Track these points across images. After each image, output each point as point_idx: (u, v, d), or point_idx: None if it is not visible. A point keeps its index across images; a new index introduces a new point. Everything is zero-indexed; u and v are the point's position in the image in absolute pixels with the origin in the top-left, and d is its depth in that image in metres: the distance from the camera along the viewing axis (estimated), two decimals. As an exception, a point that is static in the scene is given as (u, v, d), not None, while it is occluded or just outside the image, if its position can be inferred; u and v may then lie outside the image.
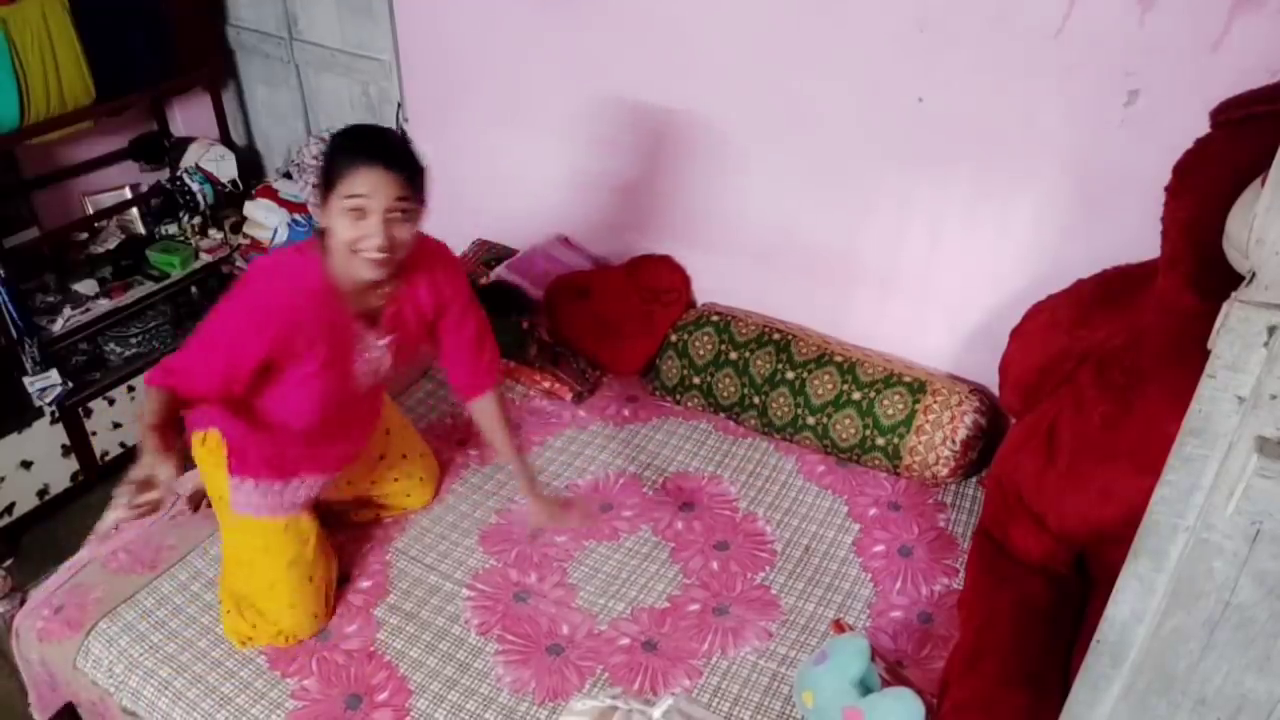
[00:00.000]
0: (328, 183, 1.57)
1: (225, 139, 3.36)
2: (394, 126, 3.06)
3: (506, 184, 2.92)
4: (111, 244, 3.26)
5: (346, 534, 2.18)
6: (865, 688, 1.64)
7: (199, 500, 2.21)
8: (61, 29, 2.64)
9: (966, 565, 2.02)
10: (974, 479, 2.33)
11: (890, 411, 2.31)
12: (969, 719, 1.66)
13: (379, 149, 1.56)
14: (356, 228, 1.56)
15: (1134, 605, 0.95)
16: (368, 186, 1.53)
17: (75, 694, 2.01)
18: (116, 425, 3.11)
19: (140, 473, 1.47)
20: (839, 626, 1.94)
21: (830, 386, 2.38)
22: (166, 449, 1.49)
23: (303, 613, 1.92)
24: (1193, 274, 1.61)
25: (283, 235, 3.21)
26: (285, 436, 1.84)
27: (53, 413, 2.91)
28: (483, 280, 2.76)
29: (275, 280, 1.67)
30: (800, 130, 2.31)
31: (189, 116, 3.42)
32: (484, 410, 2.02)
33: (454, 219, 3.08)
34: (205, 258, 3.29)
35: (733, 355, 2.50)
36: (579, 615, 2.00)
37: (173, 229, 3.32)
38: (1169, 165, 1.64)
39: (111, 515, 1.53)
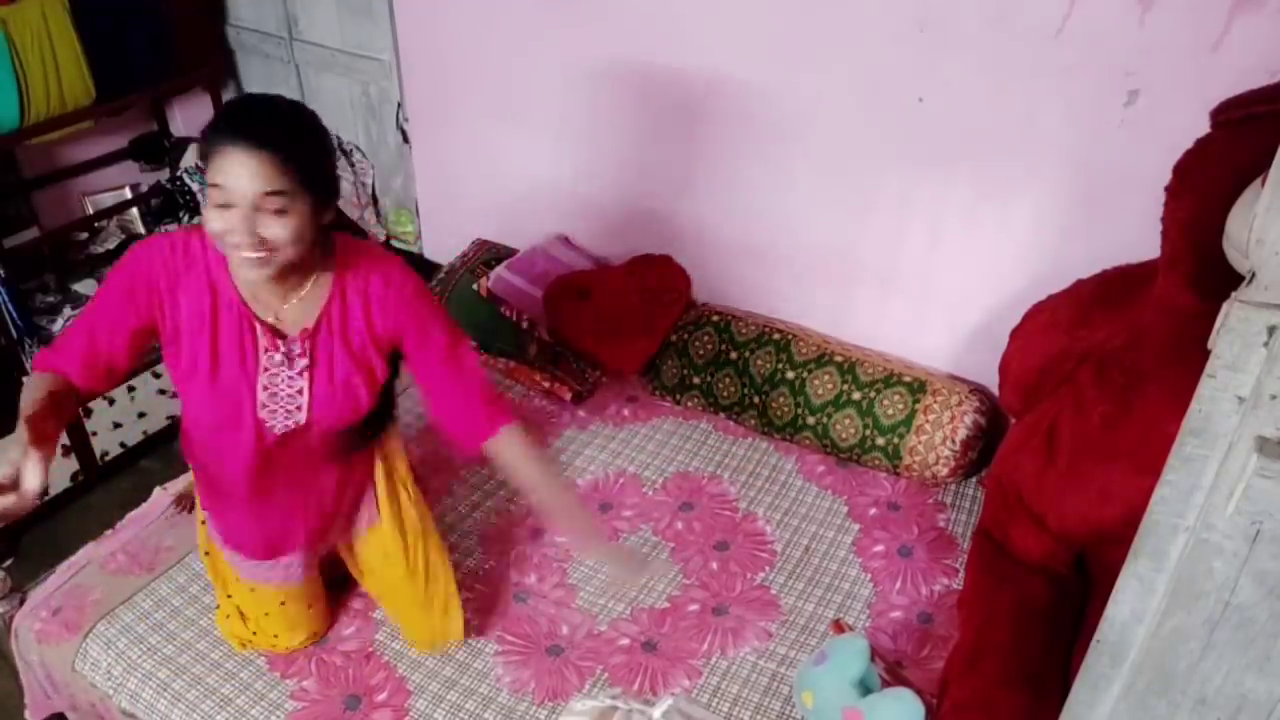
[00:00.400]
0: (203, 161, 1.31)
1: (225, 139, 3.36)
2: (396, 125, 3.07)
3: (506, 184, 2.92)
4: (111, 244, 3.25)
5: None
6: (865, 688, 1.64)
7: (189, 502, 2.17)
8: (61, 29, 2.64)
9: (966, 565, 2.02)
10: (974, 479, 2.33)
11: (890, 411, 2.31)
12: (969, 719, 1.66)
13: (248, 126, 1.27)
14: (222, 219, 1.29)
15: (1134, 605, 0.95)
16: (229, 174, 1.26)
17: (74, 696, 2.01)
18: (117, 425, 3.11)
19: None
20: (839, 627, 1.94)
21: (830, 386, 2.38)
22: (37, 442, 1.25)
23: (303, 632, 1.88)
24: (1193, 274, 1.61)
25: (283, 235, 3.22)
26: (221, 498, 1.63)
27: (52, 413, 2.91)
28: (483, 280, 2.76)
29: (153, 245, 1.45)
30: (800, 130, 2.31)
31: (189, 116, 3.42)
32: (502, 454, 1.59)
33: (454, 219, 3.10)
34: (205, 258, 3.29)
35: (733, 355, 2.50)
36: (579, 615, 2.00)
37: (173, 229, 3.32)
38: (1169, 165, 1.64)
39: None
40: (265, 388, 1.50)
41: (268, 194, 1.27)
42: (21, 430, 1.27)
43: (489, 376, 1.64)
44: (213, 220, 1.30)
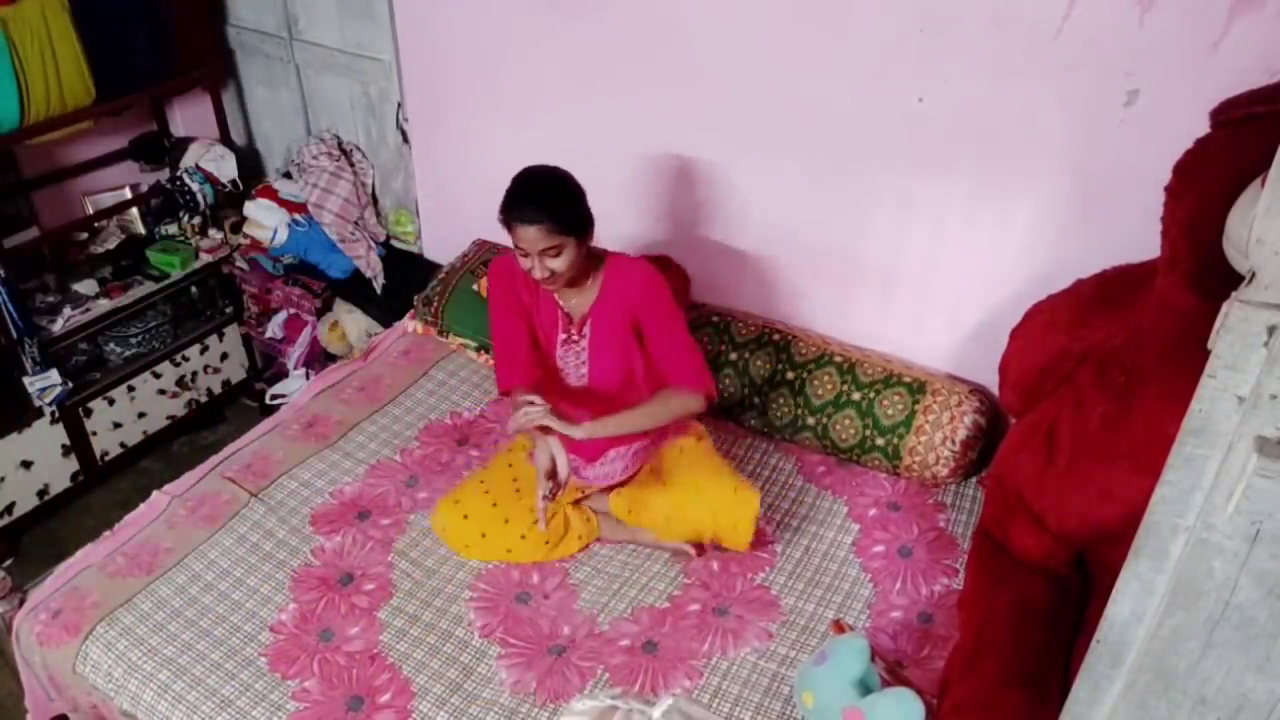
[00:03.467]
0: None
1: (225, 139, 3.35)
2: (396, 125, 3.07)
3: (506, 184, 2.91)
4: (111, 244, 3.25)
5: (353, 534, 2.18)
6: (865, 688, 1.64)
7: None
8: (61, 29, 2.64)
9: (966, 565, 2.02)
10: (974, 479, 2.33)
11: (890, 412, 2.31)
12: (969, 719, 1.66)
13: (525, 209, 1.85)
14: (524, 261, 1.91)
15: (1134, 605, 0.95)
16: (522, 240, 1.87)
17: (76, 698, 2.01)
18: (116, 425, 3.11)
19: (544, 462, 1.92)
20: (839, 627, 1.94)
21: (830, 387, 2.38)
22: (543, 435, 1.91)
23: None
24: (1193, 274, 1.61)
25: (282, 235, 3.21)
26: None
27: (53, 413, 2.91)
28: (483, 280, 2.76)
29: (500, 262, 2.12)
30: (800, 130, 2.31)
31: (189, 116, 3.42)
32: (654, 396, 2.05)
33: (454, 219, 3.10)
34: (205, 258, 3.29)
35: (733, 355, 2.50)
36: (580, 616, 2.00)
37: (173, 229, 3.32)
38: (1169, 165, 1.64)
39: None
40: (560, 357, 2.10)
41: (544, 250, 1.86)
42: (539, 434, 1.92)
43: (694, 346, 2.04)
44: (520, 261, 1.93)
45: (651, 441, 2.18)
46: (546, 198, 1.87)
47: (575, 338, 2.06)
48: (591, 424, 1.96)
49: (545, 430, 1.92)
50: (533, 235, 1.84)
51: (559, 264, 1.89)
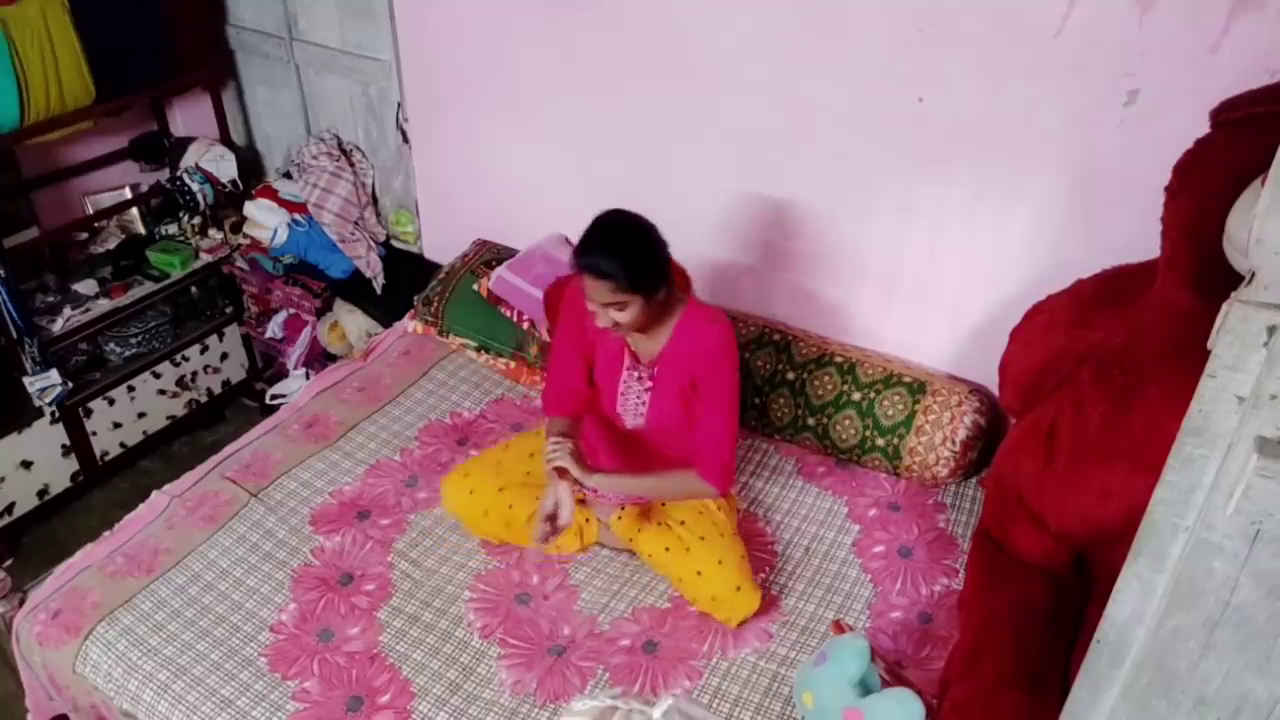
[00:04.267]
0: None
1: (225, 139, 3.35)
2: (396, 125, 3.07)
3: (506, 184, 2.92)
4: (111, 244, 3.25)
5: (353, 534, 2.18)
6: (865, 688, 1.64)
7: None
8: (61, 29, 2.64)
9: (966, 565, 2.02)
10: (974, 479, 2.33)
11: (890, 412, 2.31)
12: (969, 719, 1.66)
13: (595, 259, 1.79)
14: (590, 306, 1.86)
15: (1134, 605, 0.95)
16: (589, 290, 1.83)
17: (76, 699, 2.01)
18: (116, 425, 3.11)
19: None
20: (839, 627, 1.94)
21: (830, 387, 2.38)
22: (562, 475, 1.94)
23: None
24: (1192, 274, 1.61)
25: (282, 236, 3.21)
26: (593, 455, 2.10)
27: (53, 413, 2.91)
28: (483, 280, 2.76)
29: (564, 284, 2.12)
30: (800, 130, 2.31)
31: (189, 116, 3.42)
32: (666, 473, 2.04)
33: (454, 219, 3.10)
34: (205, 258, 3.29)
35: (733, 355, 2.49)
36: (580, 616, 2.00)
37: (173, 229, 3.32)
38: (1169, 165, 1.64)
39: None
40: (621, 394, 2.05)
41: (608, 303, 1.81)
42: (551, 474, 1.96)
43: (730, 438, 1.97)
44: (587, 304, 1.86)
45: None
46: (620, 252, 1.80)
47: (643, 378, 2.02)
48: (605, 477, 1.97)
49: (561, 473, 1.93)
50: (599, 288, 1.80)
51: (624, 318, 1.84)
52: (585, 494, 2.07)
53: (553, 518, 1.94)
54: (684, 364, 1.96)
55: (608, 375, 2.06)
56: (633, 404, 2.06)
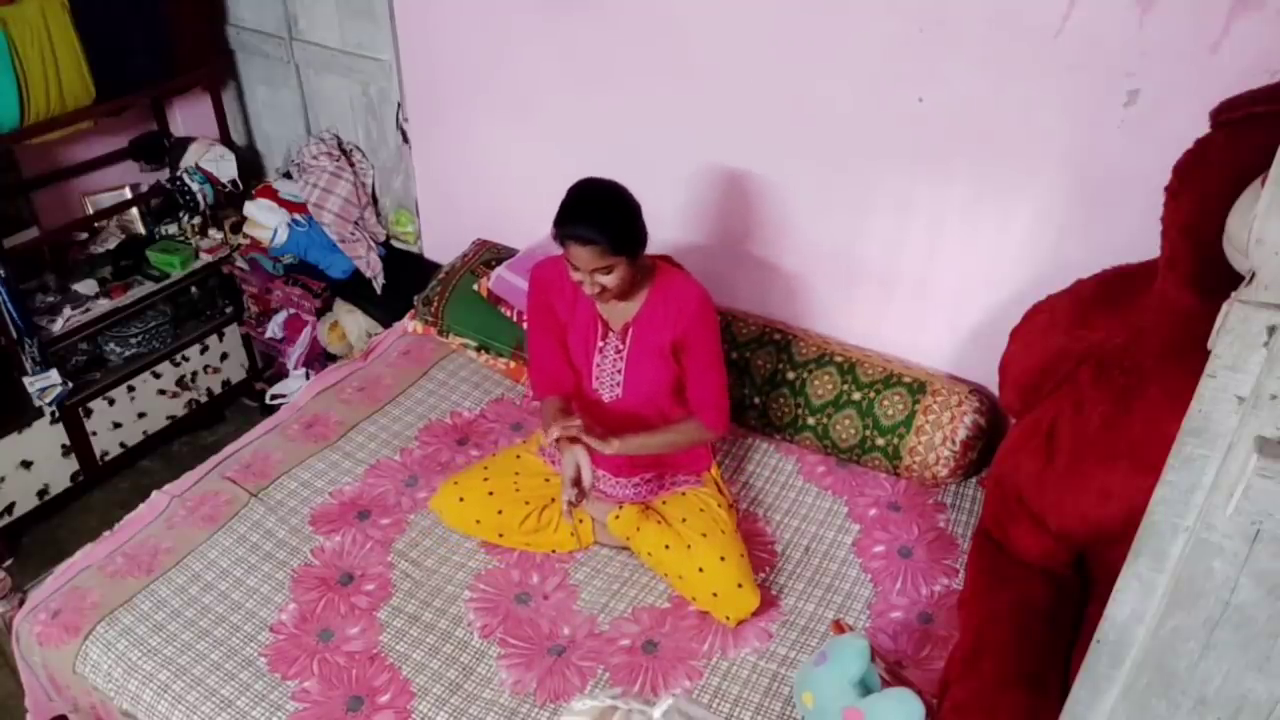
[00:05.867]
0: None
1: (225, 139, 3.35)
2: (396, 125, 3.07)
3: (506, 184, 2.92)
4: (111, 244, 3.25)
5: (353, 534, 2.18)
6: (865, 688, 1.64)
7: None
8: (61, 29, 2.64)
9: (966, 565, 2.02)
10: (974, 479, 2.33)
11: (890, 412, 2.31)
12: (969, 719, 1.66)
13: (579, 227, 1.83)
14: (575, 275, 1.89)
15: (1134, 605, 0.95)
16: (574, 258, 1.85)
17: (76, 699, 2.01)
18: (116, 425, 3.11)
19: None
20: (839, 627, 1.94)
21: (830, 387, 2.38)
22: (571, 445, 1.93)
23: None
24: (1193, 274, 1.61)
25: (283, 235, 3.21)
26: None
27: (53, 413, 2.91)
28: (483, 280, 2.76)
29: (537, 270, 2.09)
30: (800, 130, 2.31)
31: (189, 116, 3.42)
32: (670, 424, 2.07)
33: (454, 219, 3.10)
34: (205, 258, 3.29)
35: (733, 355, 2.49)
36: (580, 616, 2.00)
37: (173, 229, 3.32)
38: (1169, 165, 1.64)
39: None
40: (597, 365, 2.07)
41: (595, 269, 1.84)
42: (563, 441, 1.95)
43: (723, 386, 2.04)
44: (572, 274, 1.90)
45: (670, 479, 2.17)
46: (602, 217, 1.84)
47: (617, 346, 2.04)
48: (621, 441, 1.96)
49: (574, 441, 1.93)
50: (586, 255, 1.83)
51: (610, 280, 1.87)
52: (588, 491, 2.05)
53: (577, 481, 1.93)
54: (661, 328, 1.99)
55: (582, 349, 2.08)
56: (609, 374, 2.07)
